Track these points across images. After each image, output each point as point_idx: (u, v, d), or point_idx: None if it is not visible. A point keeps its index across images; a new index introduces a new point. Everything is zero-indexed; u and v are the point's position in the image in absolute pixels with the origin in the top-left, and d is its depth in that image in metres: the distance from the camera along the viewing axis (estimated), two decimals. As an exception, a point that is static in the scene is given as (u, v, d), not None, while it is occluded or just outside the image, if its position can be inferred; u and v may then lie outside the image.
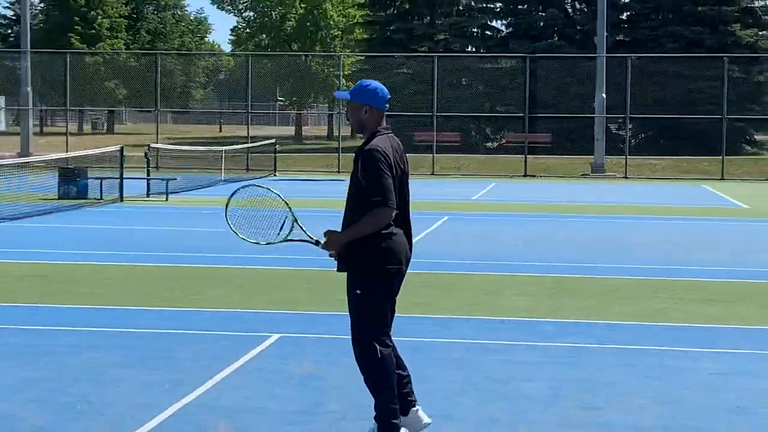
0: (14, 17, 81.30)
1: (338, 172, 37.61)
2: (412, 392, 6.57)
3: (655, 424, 7.12)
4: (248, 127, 44.41)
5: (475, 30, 61.21)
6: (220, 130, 73.74)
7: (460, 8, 60.20)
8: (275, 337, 9.63)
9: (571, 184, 35.55)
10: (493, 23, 62.47)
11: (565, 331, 10.29)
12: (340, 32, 73.44)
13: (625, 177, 38.50)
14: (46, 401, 7.45)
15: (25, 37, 42.87)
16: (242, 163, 38.13)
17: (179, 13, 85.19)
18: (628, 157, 40.22)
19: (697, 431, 6.98)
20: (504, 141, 53.85)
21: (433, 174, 38.89)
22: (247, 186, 6.95)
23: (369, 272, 6.28)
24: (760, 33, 57.48)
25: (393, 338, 6.52)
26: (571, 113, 46.25)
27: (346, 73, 59.26)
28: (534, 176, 38.82)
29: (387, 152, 6.27)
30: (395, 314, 6.52)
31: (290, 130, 74.23)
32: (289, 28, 73.68)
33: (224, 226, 6.89)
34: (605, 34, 40.98)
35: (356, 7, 70.21)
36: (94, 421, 6.96)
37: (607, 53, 41.05)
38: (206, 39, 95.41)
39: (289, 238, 6.56)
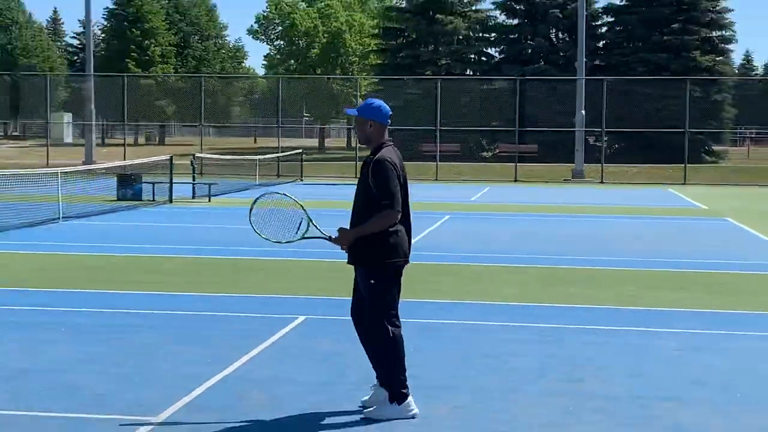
0: (80, 46, 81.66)
1: (356, 177, 37.35)
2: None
3: (627, 394, 7.11)
4: (279, 139, 44.44)
5: (472, 56, 61.17)
6: (255, 142, 73.75)
7: (460, 38, 60.14)
8: (301, 318, 9.64)
9: (554, 188, 35.49)
10: (488, 50, 62.46)
11: (550, 314, 10.28)
12: (357, 58, 73.45)
13: (602, 182, 38.41)
14: (106, 372, 7.46)
15: (89, 62, 42.98)
16: (273, 170, 38.15)
17: (220, 42, 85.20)
18: (604, 164, 40.13)
19: (663, 399, 6.96)
20: (497, 151, 53.75)
21: (436, 179, 38.86)
22: (267, 193, 6.94)
23: (380, 264, 6.29)
24: (717, 59, 57.34)
25: (402, 320, 6.54)
26: (555, 127, 46.17)
27: (362, 93, 59.23)
28: (523, 181, 38.76)
29: (395, 162, 6.29)
30: (400, 298, 6.52)
31: (314, 142, 74.22)
32: (313, 55, 73.71)
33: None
34: (584, 59, 40.94)
35: (371, 37, 70.28)
36: (147, 390, 6.98)
37: (585, 76, 41.01)
38: (243, 64, 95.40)
39: (306, 235, 6.56)
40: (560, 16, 57.79)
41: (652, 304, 10.89)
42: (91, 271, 12.89)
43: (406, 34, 60.86)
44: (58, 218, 19.12)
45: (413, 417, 6.37)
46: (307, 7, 77.98)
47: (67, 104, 76.78)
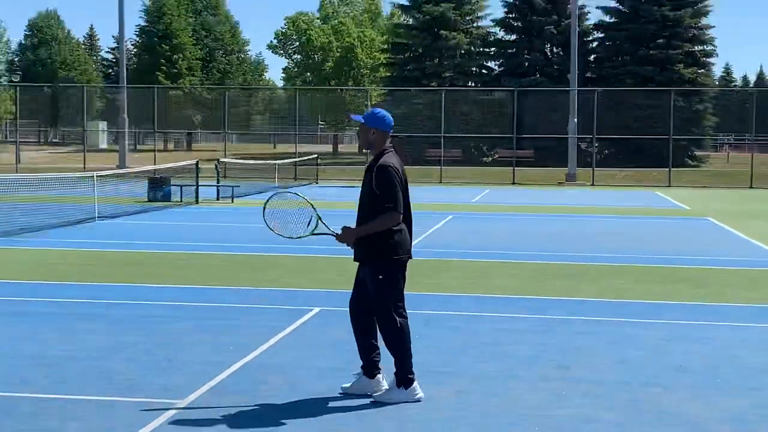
0: (114, 60, 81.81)
1: (366, 180, 37.44)
2: (379, 361, 6.54)
3: (615, 379, 7.11)
4: (296, 145, 44.45)
5: (474, 69, 61.07)
6: (274, 148, 73.75)
7: (462, 52, 60.05)
8: (317, 310, 9.66)
9: (549, 190, 35.43)
10: (488, 64, 62.33)
11: (544, 305, 10.28)
12: (368, 71, 73.41)
13: (593, 184, 38.34)
14: (138, 359, 7.50)
15: (122, 75, 43.09)
16: (291, 173, 38.18)
17: (242, 56, 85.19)
18: (595, 168, 40.04)
19: (647, 385, 6.96)
20: (497, 156, 53.68)
21: (440, 182, 38.83)
22: (278, 193, 6.96)
23: (387, 261, 6.31)
24: (699, 71, 57.17)
25: (409, 311, 6.56)
26: (550, 134, 46.09)
27: (372, 103, 59.18)
28: (520, 184, 38.72)
29: (397, 167, 6.32)
30: (406, 291, 6.54)
31: (329, 148, 74.18)
32: (328, 68, 73.70)
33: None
34: (577, 72, 40.84)
35: (381, 51, 70.24)
36: (175, 376, 7.01)
37: (578, 87, 40.92)
38: (263, 76, 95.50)
39: (315, 232, 6.59)
40: (554, 32, 57.70)
41: (638, 297, 10.89)
42: (125, 267, 12.93)
43: (413, 48, 60.82)
44: (94, 218, 19.18)
45: (419, 401, 6.39)
46: (322, 24, 78.01)
47: (103, 113, 76.96)
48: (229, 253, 14.53)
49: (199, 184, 25.52)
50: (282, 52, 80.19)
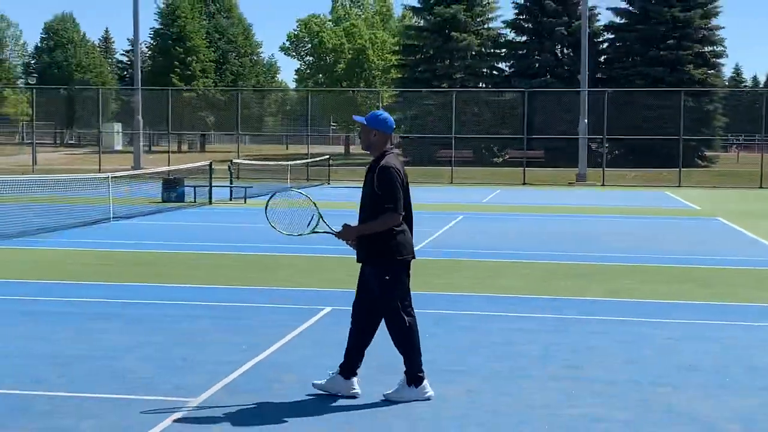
0: (129, 62, 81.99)
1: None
2: (359, 366, 6.50)
3: (624, 379, 7.09)
4: (308, 146, 44.51)
5: (484, 70, 61.02)
6: (287, 149, 73.89)
7: (473, 53, 60.00)
8: (327, 309, 9.67)
9: (559, 190, 35.37)
10: (499, 65, 62.28)
11: (554, 305, 10.25)
12: (379, 72, 73.46)
13: (603, 185, 38.25)
14: (153, 358, 7.51)
15: (137, 77, 43.22)
16: (303, 174, 38.25)
17: (255, 58, 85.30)
18: (605, 169, 39.95)
19: (657, 384, 6.94)
20: (507, 157, 53.60)
21: (451, 182, 38.82)
22: (279, 192, 6.98)
23: (393, 261, 6.31)
24: (709, 72, 56.99)
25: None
26: (560, 135, 46.03)
27: (384, 104, 59.21)
28: (530, 184, 38.66)
29: (398, 169, 6.33)
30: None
31: (340, 149, 74.23)
32: (340, 70, 73.77)
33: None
34: (587, 73, 40.74)
35: (392, 53, 70.23)
36: (190, 375, 7.01)
37: (588, 88, 40.81)
38: (276, 78, 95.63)
39: (316, 230, 6.58)
40: (565, 33, 57.59)
41: (648, 297, 10.85)
42: (139, 266, 12.96)
43: (424, 50, 60.80)
44: (109, 218, 19.23)
45: (429, 399, 6.38)
46: (333, 26, 78.10)
47: (118, 115, 77.19)
48: (241, 253, 14.54)
49: (213, 184, 25.58)
50: (294, 54, 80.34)
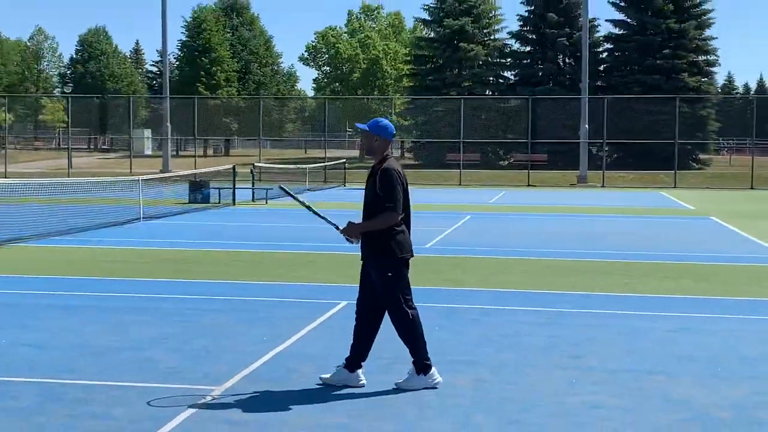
0: (158, 72, 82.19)
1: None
2: (364, 360, 6.49)
3: (624, 368, 7.05)
4: (325, 151, 44.59)
5: (491, 79, 60.96)
6: (305, 153, 73.94)
7: (480, 63, 59.98)
8: (344, 303, 9.66)
9: (562, 191, 35.28)
10: (504, 74, 62.23)
11: (557, 300, 10.21)
12: (392, 81, 73.49)
13: (603, 186, 38.14)
14: (179, 349, 7.52)
15: (165, 86, 43.37)
16: (321, 177, 38.28)
17: (276, 68, 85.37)
18: (605, 171, 39.85)
19: (654, 373, 6.90)
20: (512, 160, 53.54)
21: (460, 184, 38.77)
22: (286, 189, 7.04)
23: (394, 259, 6.33)
24: (703, 80, 56.76)
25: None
26: (562, 139, 45.92)
27: (396, 110, 59.24)
28: (534, 186, 38.58)
29: (399, 171, 6.34)
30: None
31: (356, 153, 74.21)
32: (355, 79, 73.86)
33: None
34: (587, 81, 40.65)
35: (404, 63, 70.24)
36: (214, 364, 7.02)
37: (588, 95, 40.72)
38: (295, 87, 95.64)
39: (322, 216, 6.61)
40: (567, 43, 57.46)
41: (645, 291, 10.80)
42: (167, 263, 12.99)
43: (434, 60, 60.81)
44: (139, 218, 19.30)
45: (436, 386, 6.37)
46: (349, 38, 78.16)
47: (147, 122, 77.49)
48: (263, 251, 14.56)
49: (236, 186, 25.64)
50: (312, 64, 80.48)
